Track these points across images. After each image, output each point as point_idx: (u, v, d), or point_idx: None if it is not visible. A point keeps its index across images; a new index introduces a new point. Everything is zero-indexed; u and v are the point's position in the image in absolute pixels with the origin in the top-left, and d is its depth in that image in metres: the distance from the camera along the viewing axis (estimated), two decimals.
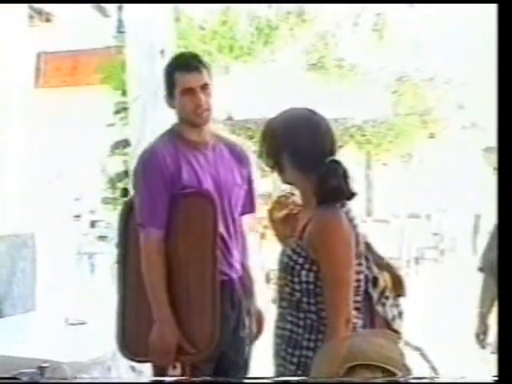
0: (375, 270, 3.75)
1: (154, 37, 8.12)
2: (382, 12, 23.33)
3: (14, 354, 5.14)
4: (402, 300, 3.89)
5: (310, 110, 3.82)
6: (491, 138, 28.36)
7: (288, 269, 3.65)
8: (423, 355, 3.72)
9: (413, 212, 20.53)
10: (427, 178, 24.93)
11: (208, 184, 4.67)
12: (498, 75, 3.33)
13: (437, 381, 3.69)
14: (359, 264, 3.62)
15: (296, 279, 3.60)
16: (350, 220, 3.64)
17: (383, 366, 3.34)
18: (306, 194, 3.75)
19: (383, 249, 14.30)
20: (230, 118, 16.95)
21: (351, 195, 3.66)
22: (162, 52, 8.09)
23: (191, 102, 4.59)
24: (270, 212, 4.08)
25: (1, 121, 6.66)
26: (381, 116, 19.79)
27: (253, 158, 4.98)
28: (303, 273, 3.57)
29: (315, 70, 21.01)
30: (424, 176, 25.08)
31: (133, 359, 4.87)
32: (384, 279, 3.75)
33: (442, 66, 24.49)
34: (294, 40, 21.24)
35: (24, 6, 7.22)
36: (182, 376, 4.53)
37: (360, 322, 3.67)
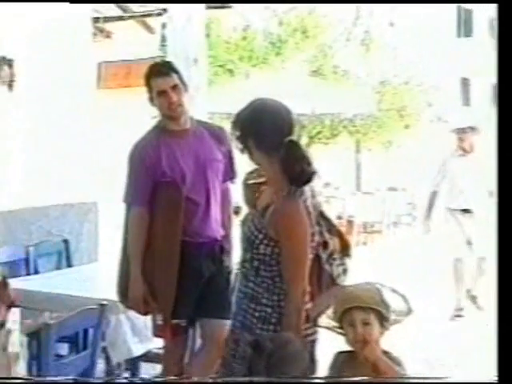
0: (326, 235, 3.56)
1: (189, 49, 8.13)
2: (369, 30, 23.41)
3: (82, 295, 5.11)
4: (347, 260, 3.68)
5: (272, 100, 3.65)
6: (452, 128, 28.37)
7: (249, 241, 3.50)
8: (401, 296, 3.64)
9: (392, 186, 20.39)
10: (403, 160, 24.89)
11: (188, 165, 4.56)
12: (498, 75, 2.99)
13: (437, 381, 3.64)
14: (312, 240, 3.44)
15: (255, 251, 3.46)
16: (306, 206, 3.44)
17: (374, 307, 3.40)
18: (270, 173, 3.53)
19: (369, 215, 14.20)
20: None
21: (312, 173, 3.40)
22: (195, 60, 8.10)
23: (165, 101, 4.52)
24: (247, 176, 3.88)
25: (72, 114, 6.69)
26: (367, 111, 19.60)
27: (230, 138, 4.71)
28: (261, 247, 3.43)
29: (316, 75, 20.86)
30: (401, 158, 25.04)
31: (126, 307, 4.71)
32: (333, 243, 3.58)
33: (415, 73, 24.48)
34: (299, 52, 21.15)
35: (89, 26, 7.23)
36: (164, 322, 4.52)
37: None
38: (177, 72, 4.66)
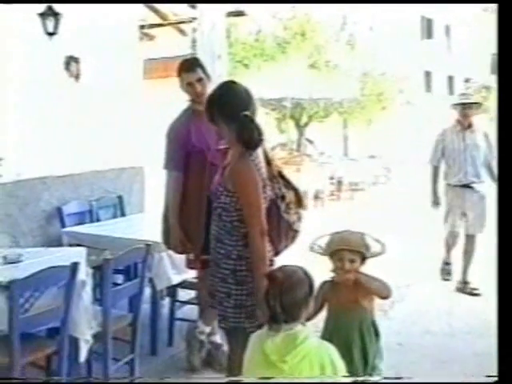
0: (284, 189, 3.51)
1: (213, 48, 8.07)
2: (353, 33, 23.28)
3: (128, 237, 5.16)
4: (301, 210, 3.62)
5: (234, 82, 3.58)
6: (419, 111, 28.22)
7: (214, 192, 3.46)
8: (378, 241, 3.61)
9: (371, 154, 20.36)
10: (380, 134, 24.83)
11: (212, 137, 4.28)
12: (498, 75, 2.67)
13: (437, 381, 3.57)
14: (264, 192, 3.38)
15: (218, 200, 3.41)
16: (256, 165, 3.37)
17: (359, 250, 3.39)
18: (228, 139, 3.48)
19: (354, 176, 14.05)
20: (260, 98, 16.89)
21: (260, 140, 3.35)
22: (219, 56, 8.04)
23: (192, 90, 4.49)
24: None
25: (124, 98, 6.68)
26: (352, 96, 19.51)
27: None
28: (222, 197, 3.38)
29: (312, 68, 20.77)
30: (378, 133, 24.98)
31: (167, 248, 4.71)
32: (289, 196, 3.53)
33: (389, 66, 24.35)
34: (300, 50, 21.02)
35: (137, 31, 7.21)
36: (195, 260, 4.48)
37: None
38: (202, 67, 4.60)
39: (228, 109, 3.42)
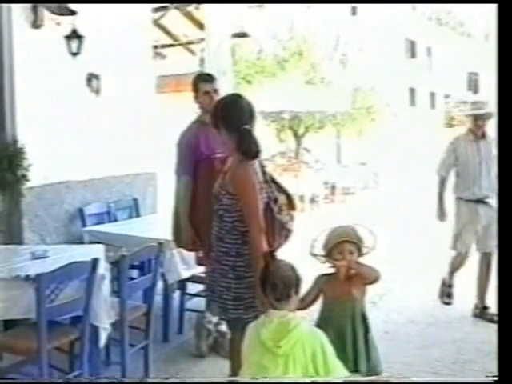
0: (276, 193, 3.52)
1: (220, 65, 8.09)
2: (345, 53, 23.31)
3: (143, 236, 5.19)
4: (292, 212, 3.64)
5: (238, 95, 3.60)
6: (404, 123, 28.23)
7: (216, 195, 3.47)
8: (372, 234, 3.60)
9: (362, 161, 20.34)
10: (370, 143, 24.83)
11: (219, 146, 4.19)
12: (499, 74, 2.45)
13: (437, 381, 3.54)
14: (261, 193, 3.39)
15: (220, 202, 3.42)
16: (254, 170, 3.38)
17: (356, 241, 3.40)
18: (228, 146, 3.50)
19: (346, 181, 14.03)
20: (262, 111, 16.89)
21: (257, 152, 3.38)
22: (225, 73, 8.08)
23: (208, 99, 4.44)
24: None
25: (139, 110, 6.69)
26: (344, 109, 19.52)
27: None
28: (224, 199, 3.39)
29: (309, 84, 20.75)
30: (368, 142, 24.99)
31: (178, 246, 4.72)
32: (281, 199, 3.53)
33: (378, 82, 24.38)
34: (297, 68, 21.02)
35: (151, 51, 7.24)
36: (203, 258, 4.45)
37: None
38: (217, 80, 4.64)
39: (230, 120, 3.42)
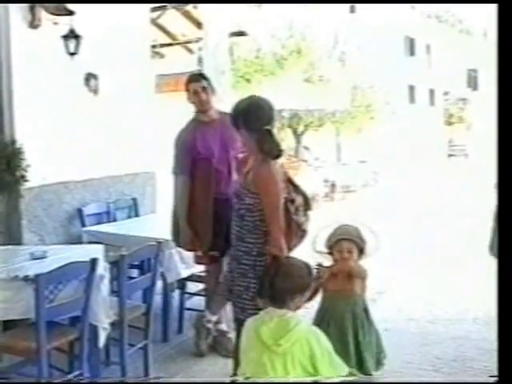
0: (293, 194, 3.54)
1: (218, 64, 8.10)
2: (344, 51, 23.32)
3: (142, 235, 5.15)
4: (309, 212, 3.65)
5: (259, 97, 3.64)
6: (404, 120, 28.21)
7: (238, 195, 3.48)
8: (373, 233, 3.62)
9: (361, 159, 20.38)
10: (369, 141, 24.84)
11: (216, 145, 4.49)
12: (499, 74, 2.44)
13: (438, 381, 3.51)
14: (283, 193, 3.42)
15: (242, 202, 3.43)
16: (277, 169, 3.42)
17: (356, 240, 3.41)
18: (249, 146, 3.54)
19: (346, 179, 14.06)
20: None
21: (279, 152, 3.41)
22: (223, 72, 8.09)
23: (197, 98, 4.50)
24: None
25: (138, 110, 6.67)
26: (344, 107, 19.57)
27: None
28: (246, 199, 3.41)
29: (307, 82, 20.79)
30: (367, 140, 24.99)
31: (177, 246, 4.74)
32: (298, 200, 3.54)
33: (377, 80, 24.38)
34: (296, 66, 21.04)
35: (149, 50, 7.23)
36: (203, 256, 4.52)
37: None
38: (206, 79, 4.63)
39: (252, 122, 3.45)
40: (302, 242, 3.58)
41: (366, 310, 3.51)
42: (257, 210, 3.41)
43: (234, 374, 3.59)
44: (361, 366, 3.43)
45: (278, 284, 2.85)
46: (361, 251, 3.49)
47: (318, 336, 2.82)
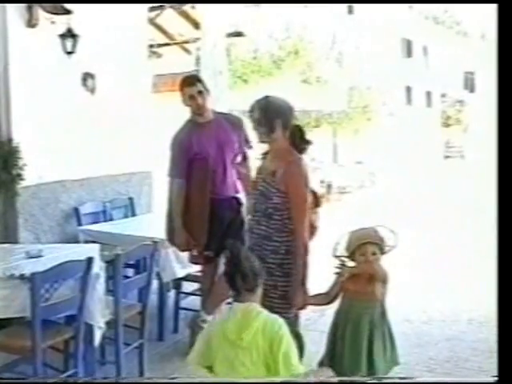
0: None
1: (215, 65, 8.11)
2: (341, 52, 23.34)
3: (138, 234, 5.15)
4: (319, 209, 3.82)
5: (278, 97, 3.70)
6: (401, 121, 28.25)
7: (264, 194, 3.51)
8: (392, 232, 3.62)
9: (358, 160, 20.40)
10: (366, 142, 24.84)
11: (212, 146, 4.49)
12: (499, 74, 2.38)
13: (437, 380, 3.49)
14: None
15: (269, 201, 3.47)
16: (305, 168, 3.52)
17: (378, 242, 3.42)
18: (281, 145, 3.56)
19: (342, 180, 14.06)
20: None
21: (307, 142, 3.55)
22: (221, 72, 8.10)
23: (193, 103, 4.51)
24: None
25: (135, 110, 6.67)
26: (341, 108, 19.61)
27: (243, 122, 4.71)
28: (275, 198, 3.45)
29: (305, 83, 20.82)
30: (364, 141, 24.99)
31: (172, 245, 4.76)
32: (310, 198, 3.59)
33: (374, 81, 24.40)
34: (293, 67, 21.07)
35: (146, 50, 7.24)
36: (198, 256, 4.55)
37: None
38: (201, 81, 4.64)
39: (289, 120, 3.56)
40: (313, 239, 3.66)
41: (383, 315, 3.51)
42: (285, 208, 3.46)
43: None
44: (370, 369, 3.41)
45: (246, 268, 2.85)
46: (381, 251, 3.49)
47: (279, 325, 2.78)
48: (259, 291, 2.88)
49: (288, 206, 3.46)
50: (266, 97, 3.66)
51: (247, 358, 2.72)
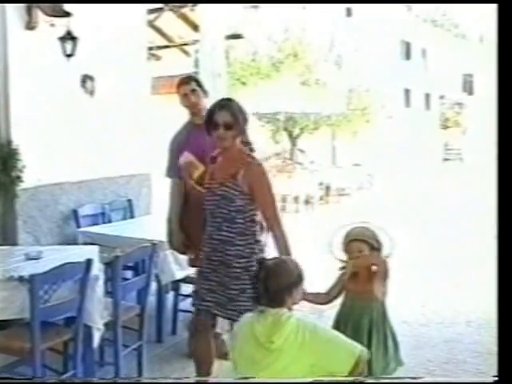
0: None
1: (214, 67, 8.11)
2: (340, 54, 23.35)
3: (137, 236, 5.15)
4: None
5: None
6: (399, 124, 28.27)
7: (226, 197, 3.42)
8: (386, 233, 3.61)
9: (356, 162, 20.41)
10: (364, 145, 24.86)
11: (209, 147, 4.15)
12: (498, 75, 2.37)
13: (437, 381, 3.48)
14: None
15: (232, 204, 3.39)
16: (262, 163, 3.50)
17: (368, 240, 3.42)
18: (240, 149, 3.51)
19: (341, 182, 14.06)
20: (257, 112, 16.88)
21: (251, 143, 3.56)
22: (219, 75, 8.09)
23: (187, 101, 4.49)
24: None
25: (134, 112, 6.67)
26: (339, 110, 19.61)
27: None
28: (238, 200, 3.38)
29: (304, 85, 20.81)
30: (363, 143, 25.01)
31: (171, 248, 4.67)
32: None
33: (373, 84, 24.42)
34: (292, 69, 21.08)
35: (145, 52, 7.25)
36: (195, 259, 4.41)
37: None
38: (196, 81, 4.61)
39: (247, 122, 3.52)
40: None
41: (384, 315, 3.51)
42: (248, 210, 3.42)
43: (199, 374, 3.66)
44: (369, 369, 3.40)
45: (272, 287, 2.84)
46: (372, 249, 3.48)
47: (310, 324, 2.79)
48: (289, 302, 2.87)
49: (251, 207, 3.41)
50: (231, 99, 3.63)
51: (275, 360, 2.72)
